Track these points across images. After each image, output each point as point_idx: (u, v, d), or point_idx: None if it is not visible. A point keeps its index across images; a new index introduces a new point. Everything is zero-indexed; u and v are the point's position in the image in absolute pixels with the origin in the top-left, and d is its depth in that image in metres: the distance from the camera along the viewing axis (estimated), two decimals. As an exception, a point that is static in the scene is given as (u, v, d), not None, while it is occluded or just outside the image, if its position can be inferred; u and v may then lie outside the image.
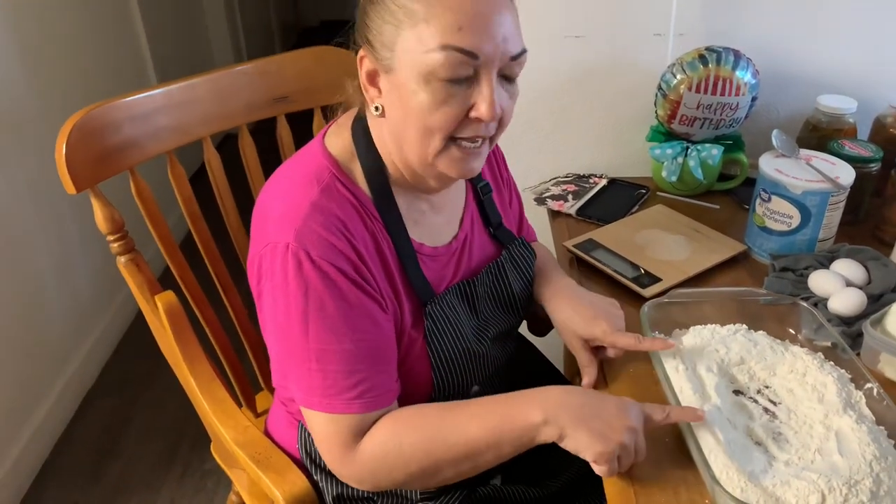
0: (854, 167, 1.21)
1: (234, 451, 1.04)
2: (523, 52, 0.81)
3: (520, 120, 1.55)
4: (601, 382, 0.99)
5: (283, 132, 1.31)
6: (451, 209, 0.99)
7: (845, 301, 1.07)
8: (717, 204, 1.42)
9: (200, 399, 1.10)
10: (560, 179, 1.52)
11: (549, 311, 1.02)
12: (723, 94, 1.32)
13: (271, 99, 1.25)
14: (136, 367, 2.36)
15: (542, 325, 1.25)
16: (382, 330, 0.84)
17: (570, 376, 1.15)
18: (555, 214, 1.41)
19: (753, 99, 1.36)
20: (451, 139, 0.81)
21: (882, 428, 0.86)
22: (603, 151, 1.58)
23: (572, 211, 1.39)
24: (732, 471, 0.79)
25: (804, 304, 1.03)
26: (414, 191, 0.92)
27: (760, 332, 1.03)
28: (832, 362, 0.96)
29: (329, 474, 0.98)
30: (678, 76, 1.34)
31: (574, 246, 1.25)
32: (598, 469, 0.78)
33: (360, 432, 0.82)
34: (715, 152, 1.37)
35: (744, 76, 1.32)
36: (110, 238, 1.07)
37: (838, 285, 1.10)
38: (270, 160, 1.18)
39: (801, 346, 1.01)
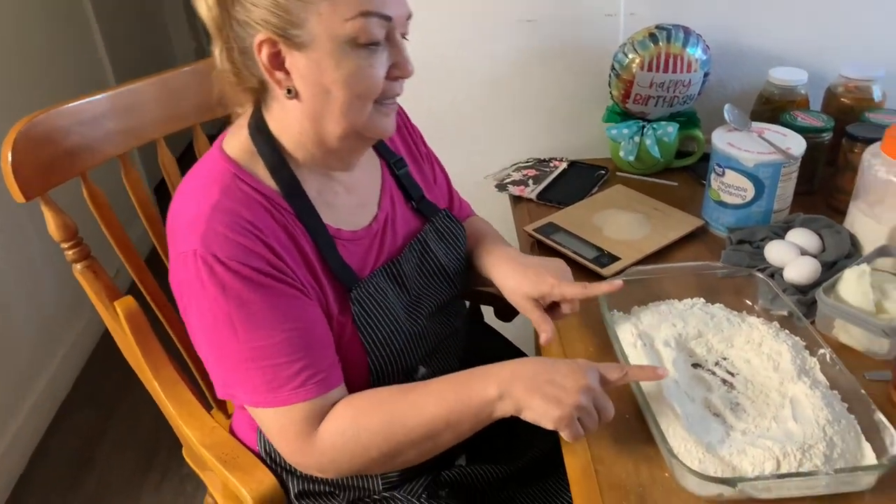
0: (807, 138, 1.23)
1: (201, 452, 1.03)
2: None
3: (476, 106, 1.56)
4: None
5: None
6: (366, 191, 0.99)
7: (800, 270, 1.09)
8: (675, 181, 1.43)
9: (166, 403, 1.09)
10: (521, 164, 1.52)
11: (495, 280, 1.02)
12: (675, 71, 1.33)
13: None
14: (110, 377, 2.34)
15: (507, 309, 1.26)
16: (312, 316, 0.84)
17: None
18: (517, 200, 1.41)
19: (706, 75, 1.37)
20: (376, 103, 0.84)
21: (835, 392, 0.87)
22: (562, 134, 1.59)
23: (533, 195, 1.39)
24: (690, 443, 0.80)
25: (760, 275, 1.04)
26: (325, 172, 0.92)
27: (718, 304, 1.04)
28: (787, 331, 0.98)
29: (290, 472, 0.98)
30: (630, 55, 1.35)
31: (534, 230, 1.25)
32: (563, 435, 0.79)
33: (316, 419, 0.82)
34: (671, 130, 1.38)
35: (694, 52, 1.33)
36: (64, 246, 1.06)
37: (793, 255, 1.12)
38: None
39: (758, 316, 1.02)
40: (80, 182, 1.08)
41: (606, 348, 0.96)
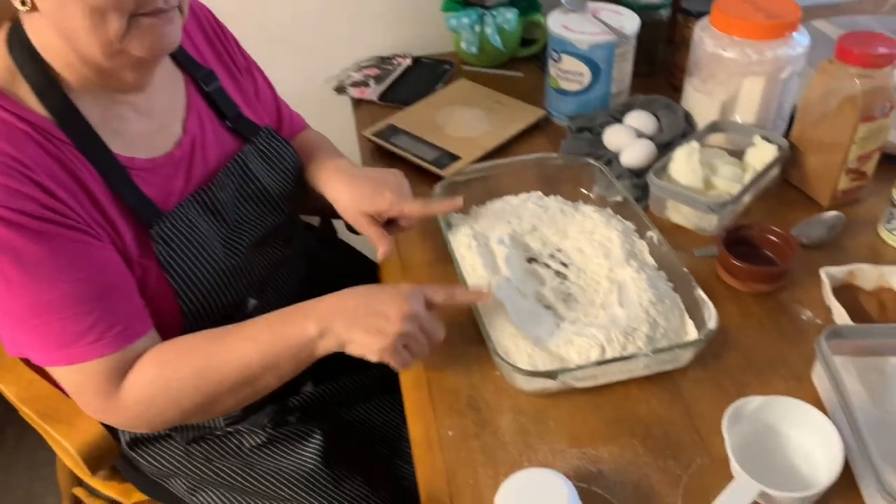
0: (644, 15, 1.19)
1: (20, 408, 0.95)
2: None
3: (312, 8, 1.43)
4: (398, 272, 0.96)
5: None
6: (165, 112, 0.86)
7: (635, 153, 1.07)
8: (521, 72, 1.38)
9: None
10: (362, 64, 1.43)
11: (328, 197, 0.95)
12: (509, -49, 1.25)
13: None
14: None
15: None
16: (102, 260, 0.74)
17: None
18: (357, 103, 1.33)
19: (543, -46, 1.31)
20: (132, 16, 0.71)
21: (662, 273, 0.88)
22: (405, 29, 1.49)
23: (374, 96, 1.31)
24: (519, 339, 0.79)
25: (595, 162, 1.02)
26: (107, 93, 0.79)
27: (553, 196, 1.02)
28: (620, 217, 0.97)
29: None
30: (461, -63, 1.26)
31: (373, 134, 1.18)
32: (390, 364, 0.76)
33: (117, 374, 0.74)
34: (510, 16, 1.32)
35: (528, -70, 1.26)
36: None
37: (630, 138, 1.11)
38: None
39: (595, 204, 1.01)
40: None
41: (445, 254, 0.92)
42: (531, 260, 0.93)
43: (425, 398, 0.78)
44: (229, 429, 0.93)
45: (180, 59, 0.90)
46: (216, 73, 0.94)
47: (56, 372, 0.75)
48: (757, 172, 0.98)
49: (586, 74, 1.15)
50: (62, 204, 0.72)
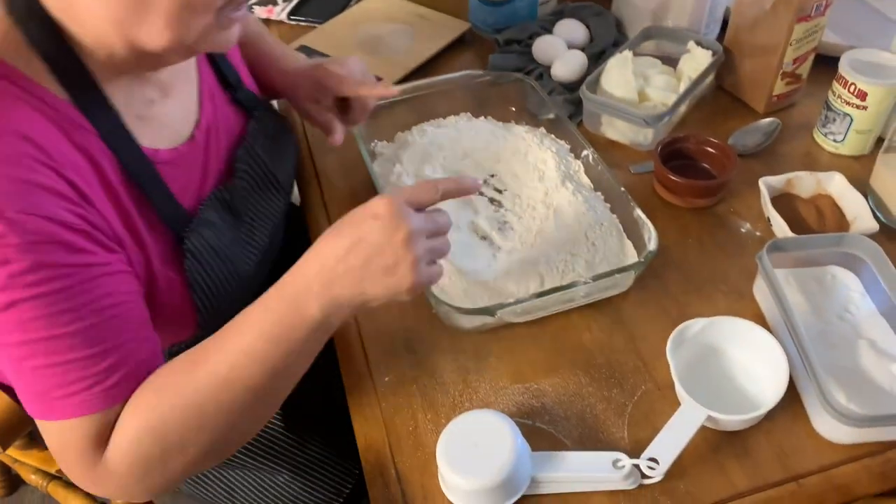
0: (569, -85, 1.11)
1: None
2: None
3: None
4: (320, 209, 0.89)
5: None
6: (184, 89, 0.72)
7: (565, 66, 1.02)
8: (442, -19, 1.28)
9: None
10: (269, -20, 1.30)
11: (277, 83, 0.86)
12: None
13: None
14: None
15: None
16: (127, 286, 0.60)
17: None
18: (265, 23, 1.22)
19: None
20: (219, 9, 0.58)
21: (599, 193, 0.84)
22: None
23: (283, 15, 1.20)
24: (454, 275, 0.75)
25: (525, 78, 0.96)
26: (136, 73, 0.64)
27: (482, 118, 0.96)
28: (553, 136, 0.92)
29: None
30: None
31: (284, 58, 1.08)
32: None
33: (105, 431, 0.58)
34: (427, -80, 1.21)
35: None
36: None
37: (560, 50, 1.04)
38: None
39: (527, 123, 0.95)
40: None
41: (370, 186, 0.86)
42: None
43: (357, 344, 0.74)
44: None
45: None
46: None
47: (51, 426, 0.58)
48: (692, 80, 0.94)
49: (511, -19, 1.07)
50: (93, 208, 0.58)
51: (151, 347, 0.61)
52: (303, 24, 1.19)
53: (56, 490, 1.03)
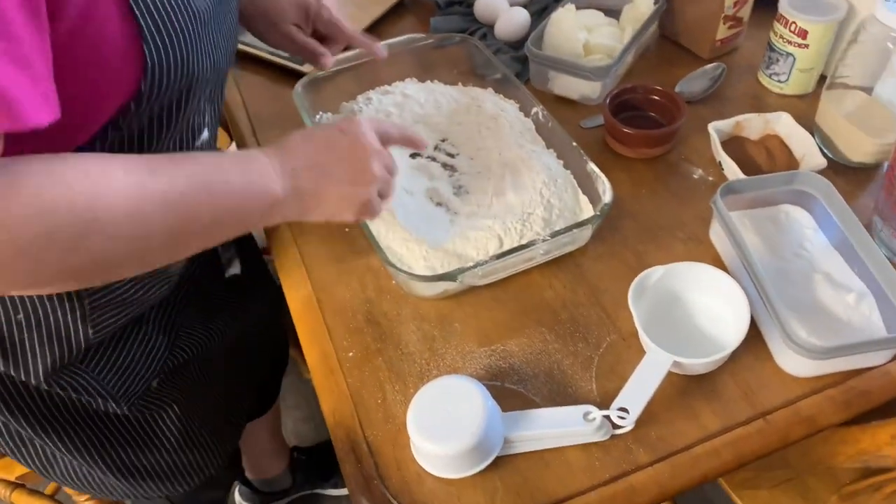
0: None
1: None
2: None
3: None
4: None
5: None
6: None
7: (509, 23, 1.00)
8: (377, -55, 1.25)
9: None
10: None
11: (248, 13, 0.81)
12: None
13: None
14: None
15: None
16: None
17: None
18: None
19: None
20: None
21: (551, 151, 0.83)
22: None
23: (215, -9, 1.16)
24: (412, 242, 0.73)
25: (469, 38, 0.94)
26: None
27: (428, 81, 0.94)
28: (502, 95, 0.91)
29: None
30: None
31: (219, 34, 1.04)
32: (361, 219, 0.65)
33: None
34: None
35: None
36: None
37: (502, 8, 1.03)
38: None
39: (474, 85, 0.94)
40: None
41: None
42: (415, 155, 0.86)
43: (318, 321, 0.72)
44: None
45: None
46: None
47: None
48: (636, 30, 0.93)
49: (447, -59, 1.05)
50: None
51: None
52: (235, -2, 1.15)
53: (20, 498, 1.00)
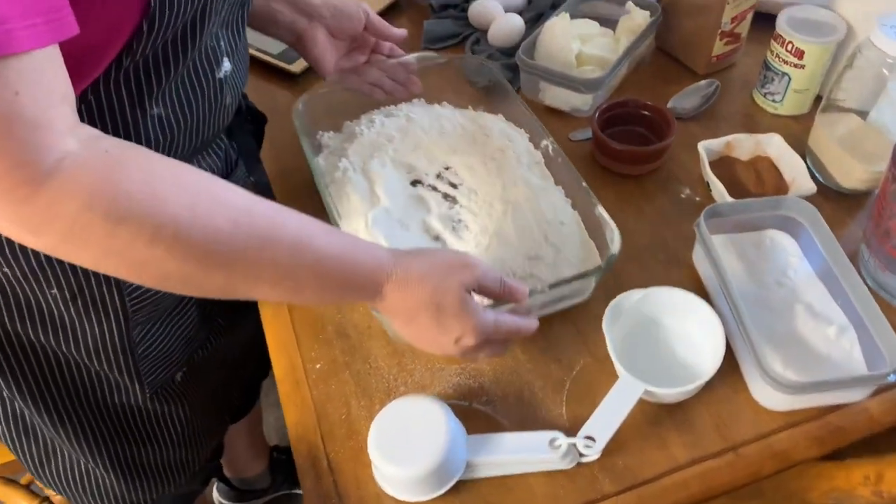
0: None
1: None
2: None
3: None
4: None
5: None
6: None
7: (502, 30, 0.98)
8: (375, -57, 1.23)
9: None
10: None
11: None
12: None
13: None
14: None
15: None
16: None
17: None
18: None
19: None
20: None
21: (560, 188, 0.78)
22: None
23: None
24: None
25: (488, 62, 0.88)
26: None
27: (436, 105, 0.89)
28: (513, 123, 0.85)
29: None
30: None
31: (208, 29, 1.03)
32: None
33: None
34: None
35: None
36: None
37: (496, 14, 1.01)
38: None
39: (485, 110, 0.88)
40: None
41: (312, 185, 0.80)
42: (416, 182, 0.81)
43: (288, 330, 0.71)
44: None
45: None
46: None
47: None
48: (630, 42, 0.91)
49: (444, -57, 1.03)
50: None
51: None
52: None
53: (-10, 489, 0.99)
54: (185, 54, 0.59)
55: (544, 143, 0.81)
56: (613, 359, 0.62)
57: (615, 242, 0.67)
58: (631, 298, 0.66)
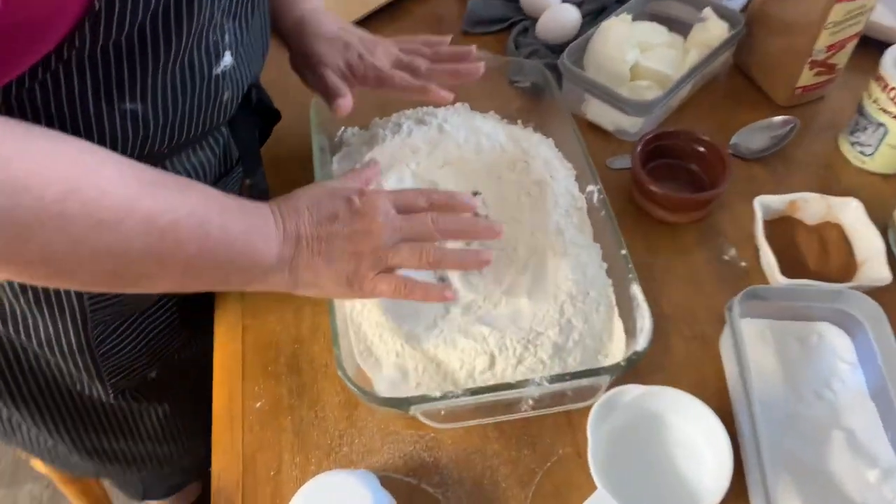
0: None
1: None
2: None
3: None
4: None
5: None
6: None
7: (554, 22, 0.85)
8: None
9: None
10: None
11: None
12: None
13: None
14: None
15: None
16: None
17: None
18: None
19: None
20: None
21: (598, 245, 0.65)
22: None
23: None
24: (387, 331, 0.59)
25: (550, 78, 0.74)
26: None
27: (479, 114, 0.76)
28: (561, 153, 0.72)
29: None
30: None
31: None
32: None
33: None
34: None
35: None
36: None
37: (551, 1, 0.87)
38: None
39: (513, 119, 0.76)
40: None
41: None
42: None
43: (236, 356, 0.62)
44: None
45: None
46: None
47: None
48: (702, 57, 0.77)
49: (504, -89, 0.89)
50: None
51: None
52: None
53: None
54: (176, 39, 0.49)
55: (590, 188, 0.67)
56: (592, 470, 0.51)
57: (644, 334, 0.55)
58: (627, 395, 0.54)
